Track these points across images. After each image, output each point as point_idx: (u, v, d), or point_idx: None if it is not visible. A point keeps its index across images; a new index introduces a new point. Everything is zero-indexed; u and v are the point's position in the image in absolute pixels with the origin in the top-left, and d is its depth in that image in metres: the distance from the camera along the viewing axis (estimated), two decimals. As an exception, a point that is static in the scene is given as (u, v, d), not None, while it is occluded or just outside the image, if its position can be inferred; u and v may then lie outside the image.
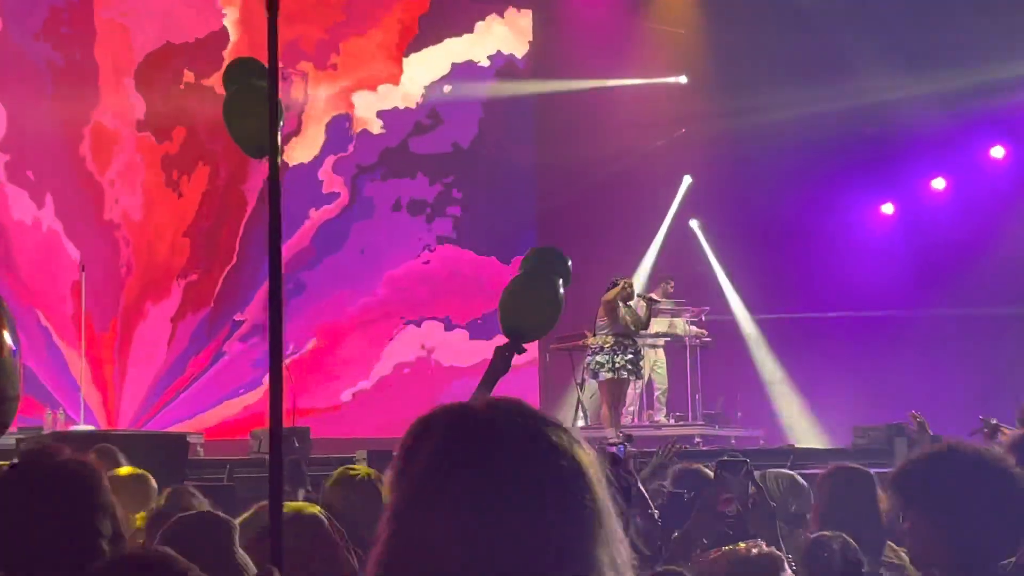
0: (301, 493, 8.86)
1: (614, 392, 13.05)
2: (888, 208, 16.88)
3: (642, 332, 14.64)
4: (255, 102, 4.13)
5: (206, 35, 14.82)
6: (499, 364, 4.44)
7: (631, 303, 13.13)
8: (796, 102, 15.46)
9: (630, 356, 12.93)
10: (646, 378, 14.43)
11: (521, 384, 15.29)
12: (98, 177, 14.27)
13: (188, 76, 14.69)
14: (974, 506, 3.13)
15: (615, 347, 12.93)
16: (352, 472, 5.57)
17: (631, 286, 13.16)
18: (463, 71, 16.54)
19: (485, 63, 16.73)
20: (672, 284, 15.22)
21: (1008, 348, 14.48)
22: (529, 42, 17.01)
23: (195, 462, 10.31)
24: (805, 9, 15.81)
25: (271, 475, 2.82)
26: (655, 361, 14.99)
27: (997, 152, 15.71)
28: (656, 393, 15.00)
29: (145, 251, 14.48)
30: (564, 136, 16.50)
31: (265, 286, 2.97)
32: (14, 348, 2.85)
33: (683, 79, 17.32)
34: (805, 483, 5.63)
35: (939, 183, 16.29)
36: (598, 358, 12.99)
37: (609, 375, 12.92)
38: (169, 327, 14.53)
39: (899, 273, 15.88)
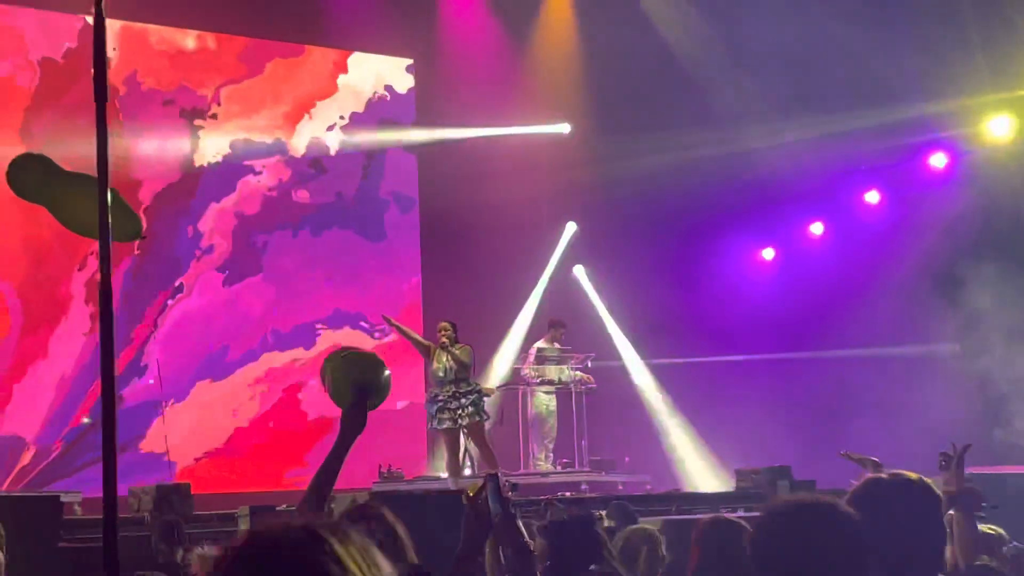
0: (179, 553, 8.71)
1: (447, 440, 13.21)
2: (769, 253, 17.14)
3: (531, 381, 14.71)
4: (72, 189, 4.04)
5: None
6: (353, 425, 4.21)
7: (453, 349, 13.08)
8: (675, 147, 15.64)
9: (439, 404, 13.00)
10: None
11: (409, 433, 15.24)
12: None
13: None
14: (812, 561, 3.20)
15: (428, 399, 13.25)
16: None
17: (445, 331, 13.14)
18: (346, 118, 16.49)
19: (366, 111, 16.69)
20: (562, 331, 15.28)
21: (887, 388, 14.71)
22: (410, 88, 17.02)
23: (70, 522, 10.05)
24: (682, 56, 16.07)
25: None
26: (548, 408, 15.02)
27: (872, 197, 16.03)
28: (546, 440, 15.01)
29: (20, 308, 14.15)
30: (447, 184, 16.49)
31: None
32: None
33: (566, 127, 17.46)
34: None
35: (817, 228, 16.58)
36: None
37: (430, 424, 13.20)
38: (48, 380, 14.20)
39: (782, 316, 16.10)
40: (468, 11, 16.97)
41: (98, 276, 2.84)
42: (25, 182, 4.24)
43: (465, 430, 13.08)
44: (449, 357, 12.92)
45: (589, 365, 15.22)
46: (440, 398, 12.96)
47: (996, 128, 14.64)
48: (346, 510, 5.85)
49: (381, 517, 4.09)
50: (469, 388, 13.03)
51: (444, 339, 13.02)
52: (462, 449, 13.36)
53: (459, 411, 12.93)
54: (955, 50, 14.03)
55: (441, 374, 12.94)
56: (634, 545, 5.86)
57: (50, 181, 4.16)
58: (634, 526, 6.35)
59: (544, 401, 15.04)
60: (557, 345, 15.18)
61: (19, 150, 13.91)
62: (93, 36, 2.72)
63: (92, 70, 2.73)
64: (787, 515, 3.31)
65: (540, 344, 15.24)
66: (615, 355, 17.08)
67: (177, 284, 15.17)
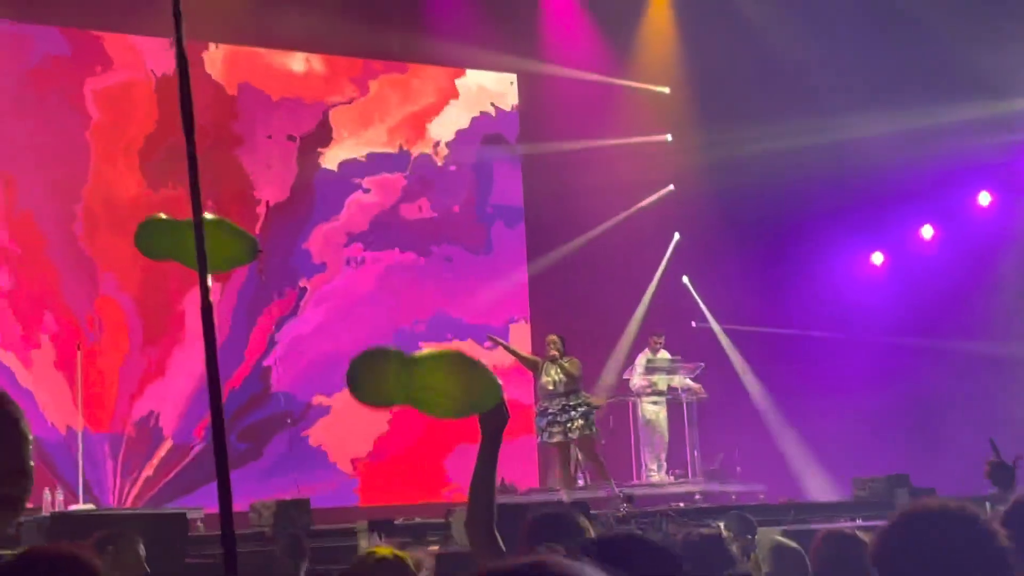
0: (304, 567, 8.84)
1: (560, 454, 13.18)
2: (878, 258, 16.92)
3: (640, 391, 14.71)
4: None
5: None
6: (494, 437, 3.85)
7: (562, 362, 13.09)
8: (778, 137, 15.47)
9: (549, 417, 12.99)
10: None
11: (518, 452, 15.30)
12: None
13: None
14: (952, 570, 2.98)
15: (538, 411, 13.19)
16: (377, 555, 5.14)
17: (553, 344, 13.14)
18: (450, 135, 16.65)
19: (471, 127, 16.84)
20: (661, 339, 15.23)
21: (1005, 395, 14.48)
22: (514, 106, 17.14)
23: (196, 539, 10.25)
24: (782, 50, 15.89)
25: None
26: (657, 419, 14.99)
27: (984, 199, 15.77)
28: (658, 451, 14.98)
29: (140, 327, 14.46)
30: (552, 196, 16.57)
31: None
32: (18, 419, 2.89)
33: (668, 137, 17.44)
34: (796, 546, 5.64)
35: (927, 231, 16.34)
36: (536, 423, 13.19)
37: (540, 438, 13.14)
38: (168, 401, 14.50)
39: (893, 322, 15.89)
40: (570, 24, 17.03)
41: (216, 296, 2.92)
42: (151, 247, 4.46)
43: (576, 443, 13.10)
44: (558, 370, 12.97)
45: (699, 374, 15.16)
46: (550, 411, 13.01)
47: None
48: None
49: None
50: (579, 401, 13.06)
51: (553, 352, 13.07)
52: (573, 462, 13.40)
53: (569, 424, 12.95)
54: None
55: (551, 387, 12.99)
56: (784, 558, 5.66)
57: (174, 237, 4.35)
58: (779, 539, 6.16)
59: (654, 411, 15.02)
60: (663, 354, 15.15)
61: (137, 176, 14.36)
62: (177, 66, 2.79)
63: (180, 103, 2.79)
64: (925, 520, 3.06)
65: (645, 355, 15.22)
66: (725, 364, 16.98)
67: (290, 301, 15.41)
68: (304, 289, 15.56)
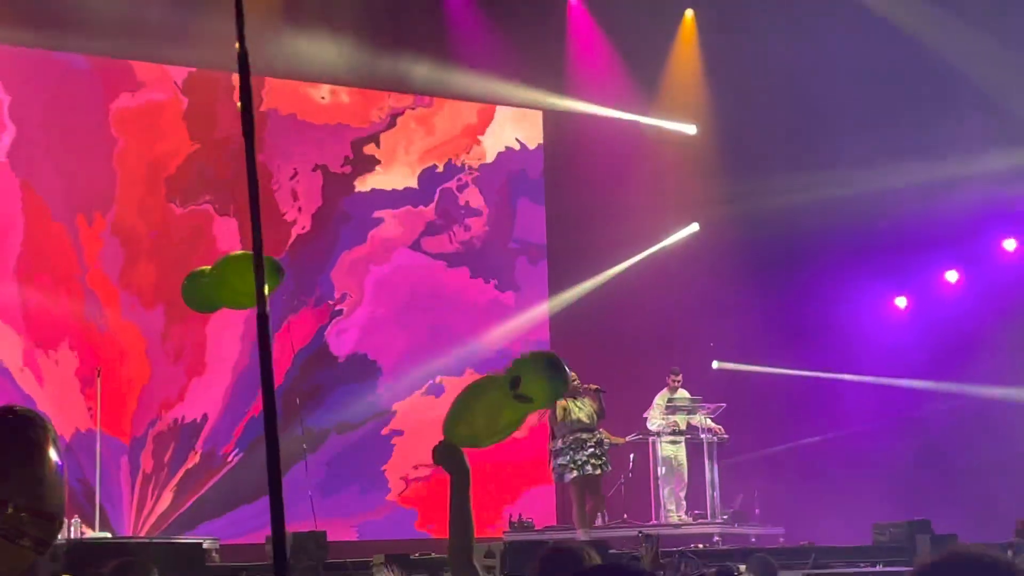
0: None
1: (583, 491, 13.01)
2: (902, 301, 16.84)
3: (660, 430, 14.62)
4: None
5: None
6: (462, 472, 3.97)
7: (580, 398, 13.06)
8: (806, 188, 15.48)
9: (591, 450, 12.88)
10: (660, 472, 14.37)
11: (538, 493, 15.27)
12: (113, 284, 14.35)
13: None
14: None
15: (573, 445, 12.95)
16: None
17: (574, 380, 13.10)
18: (476, 171, 16.69)
19: (495, 162, 16.87)
20: (679, 377, 15.15)
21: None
22: (539, 142, 17.17)
23: (212, 569, 10.22)
24: (816, 101, 15.92)
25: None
26: (676, 458, 14.88)
27: (1010, 244, 15.70)
28: (677, 490, 14.86)
29: (161, 352, 14.48)
30: (576, 233, 16.58)
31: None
32: (60, 463, 2.86)
33: (693, 178, 17.42)
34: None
35: (952, 276, 16.26)
36: (559, 460, 12.98)
37: (575, 474, 12.91)
38: (186, 430, 14.49)
39: (916, 367, 15.80)
40: (597, 62, 17.06)
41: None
42: (196, 302, 4.56)
43: (592, 480, 13.02)
44: (587, 404, 12.99)
45: (719, 415, 15.06)
46: (589, 445, 12.94)
47: None
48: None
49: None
50: (602, 436, 13.10)
51: (585, 386, 13.11)
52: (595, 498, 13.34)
53: (604, 458, 12.98)
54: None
55: (587, 420, 12.95)
56: None
57: (214, 284, 4.43)
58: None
59: (673, 450, 14.91)
60: (683, 392, 15.06)
61: (164, 203, 14.41)
62: (240, 97, 2.77)
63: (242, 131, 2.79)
64: (963, 567, 2.88)
65: (663, 393, 15.14)
66: (747, 405, 16.86)
67: (311, 331, 15.40)
68: (327, 318, 15.56)
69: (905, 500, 14.25)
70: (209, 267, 4.63)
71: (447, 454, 3.86)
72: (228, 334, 14.49)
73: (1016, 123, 14.21)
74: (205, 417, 14.56)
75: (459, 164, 16.65)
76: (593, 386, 13.17)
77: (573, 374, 13.21)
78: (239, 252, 4.72)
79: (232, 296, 4.44)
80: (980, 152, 14.40)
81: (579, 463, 12.91)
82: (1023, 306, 14.97)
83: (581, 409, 12.94)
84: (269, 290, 4.75)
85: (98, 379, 12.84)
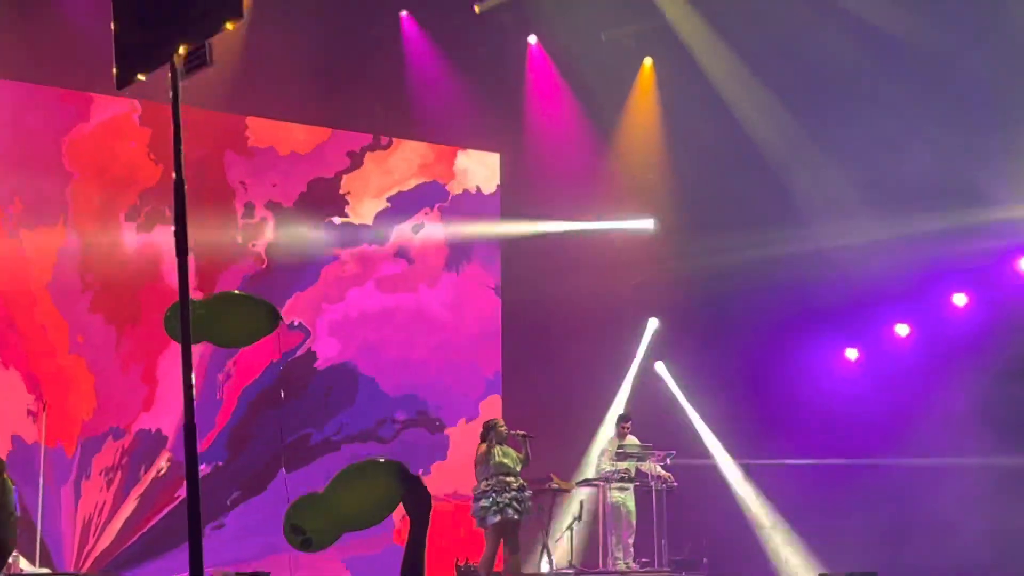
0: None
1: (499, 536, 12.80)
2: (852, 353, 16.95)
3: (608, 477, 14.59)
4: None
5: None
6: (423, 520, 4.05)
7: (506, 444, 12.98)
8: (760, 245, 15.62)
9: (513, 493, 12.73)
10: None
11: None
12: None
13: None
14: None
15: (496, 487, 12.77)
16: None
17: (501, 426, 13.06)
18: (432, 212, 16.68)
19: (452, 205, 16.87)
20: (629, 424, 15.19)
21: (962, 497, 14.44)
22: (497, 185, 17.20)
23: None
24: (767, 153, 16.08)
25: None
26: (624, 504, 14.87)
27: (960, 299, 15.84)
28: (625, 537, 14.84)
29: (105, 386, 14.33)
30: (531, 277, 16.60)
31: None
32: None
33: (651, 223, 17.49)
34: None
35: (903, 329, 16.39)
36: (482, 503, 12.80)
37: (498, 518, 12.68)
38: (126, 460, 14.33)
39: (865, 418, 15.88)
40: (555, 107, 17.15)
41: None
42: (175, 330, 4.56)
43: (515, 524, 12.79)
44: (517, 450, 12.89)
45: (669, 462, 15.09)
46: (512, 488, 12.78)
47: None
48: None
49: None
50: (524, 481, 12.96)
51: (512, 432, 12.98)
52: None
53: (525, 504, 12.82)
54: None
55: (512, 464, 12.81)
56: None
57: (205, 317, 4.42)
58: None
59: (621, 497, 14.90)
60: (632, 439, 15.08)
61: (125, 231, 14.29)
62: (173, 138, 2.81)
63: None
64: None
65: (612, 440, 15.15)
66: (698, 452, 16.92)
67: (260, 368, 15.30)
68: (279, 355, 15.45)
69: (855, 550, 14.29)
70: (202, 299, 4.62)
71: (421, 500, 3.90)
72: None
73: (962, 183, 14.42)
74: (158, 444, 14.42)
75: (416, 205, 16.64)
76: (520, 432, 13.04)
77: (500, 421, 13.21)
78: (237, 292, 4.74)
79: (222, 334, 4.43)
80: (928, 210, 14.58)
81: (501, 505, 12.73)
82: (972, 361, 15.08)
83: (507, 455, 12.82)
84: (262, 335, 4.78)
85: (43, 413, 12.68)
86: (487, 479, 12.75)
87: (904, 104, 14.67)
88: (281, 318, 4.78)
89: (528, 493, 12.89)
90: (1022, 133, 14.16)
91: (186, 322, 2.80)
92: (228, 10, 3.66)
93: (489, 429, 12.94)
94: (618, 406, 16.79)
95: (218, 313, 4.58)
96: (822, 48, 15.04)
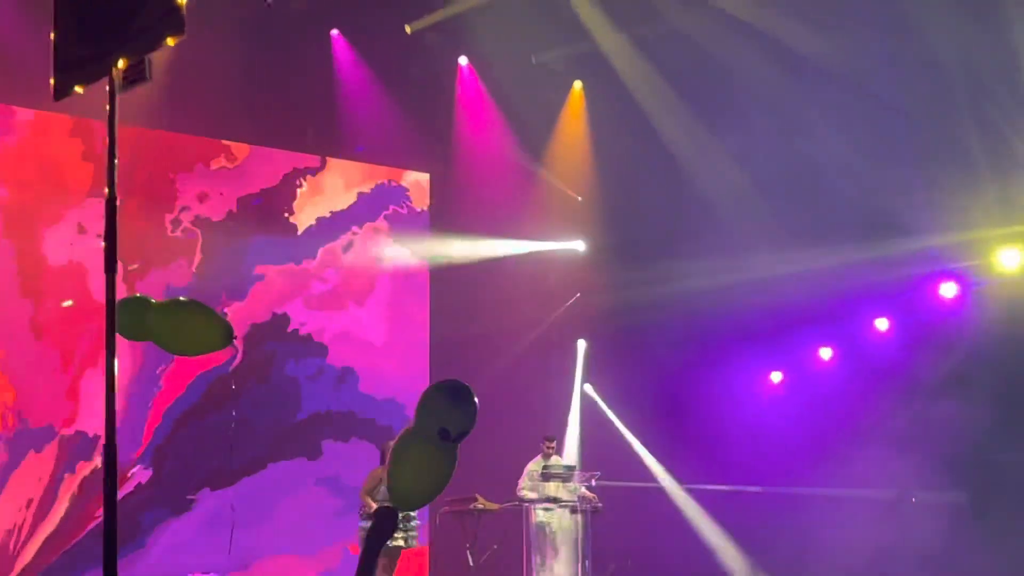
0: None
1: (381, 560, 12.55)
2: (776, 376, 17.14)
3: (533, 498, 14.60)
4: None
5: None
6: (386, 526, 4.14)
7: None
8: (687, 274, 15.77)
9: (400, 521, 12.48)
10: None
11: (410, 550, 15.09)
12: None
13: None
14: None
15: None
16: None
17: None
18: (361, 232, 16.65)
19: (381, 223, 16.86)
20: (554, 444, 15.22)
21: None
22: (428, 205, 17.22)
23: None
24: (697, 183, 16.26)
25: None
26: (549, 526, 14.88)
27: (882, 324, 16.09)
28: (550, 559, 14.85)
29: (28, 410, 14.15)
30: (459, 298, 16.62)
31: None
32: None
33: (580, 245, 17.60)
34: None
35: (826, 353, 16.60)
36: (364, 524, 12.58)
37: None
38: (48, 474, 14.15)
39: (787, 443, 16.06)
40: (486, 128, 17.22)
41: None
42: (125, 326, 4.49)
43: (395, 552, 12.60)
44: None
45: (594, 483, 15.14)
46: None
47: (1006, 261, 14.73)
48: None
49: None
50: (410, 512, 12.63)
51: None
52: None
53: (410, 532, 12.62)
54: (964, 185, 14.21)
55: None
56: None
57: (147, 318, 4.38)
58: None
59: (546, 518, 14.92)
60: (557, 459, 15.12)
61: (52, 242, 14.12)
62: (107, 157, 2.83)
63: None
64: None
65: (537, 460, 15.17)
66: (627, 474, 16.99)
67: (182, 386, 15.18)
68: (208, 373, 15.34)
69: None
70: (161, 301, 4.56)
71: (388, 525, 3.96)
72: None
73: (883, 212, 14.68)
74: (81, 456, 14.25)
75: (346, 224, 16.61)
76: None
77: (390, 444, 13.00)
78: (196, 302, 4.68)
79: (172, 340, 4.39)
80: (851, 238, 14.82)
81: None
82: (893, 385, 15.32)
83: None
84: (211, 350, 4.73)
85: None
86: (380, 502, 12.50)
87: (828, 134, 14.89)
88: (235, 337, 4.75)
89: (415, 523, 12.70)
90: (941, 165, 14.42)
91: (111, 350, 2.78)
92: (169, 26, 3.64)
93: (386, 452, 12.78)
94: (545, 426, 16.82)
95: (173, 318, 4.53)
96: (748, 76, 15.26)
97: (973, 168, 14.43)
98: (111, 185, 3.16)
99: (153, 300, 4.64)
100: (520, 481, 15.23)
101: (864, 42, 14.67)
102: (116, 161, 3.11)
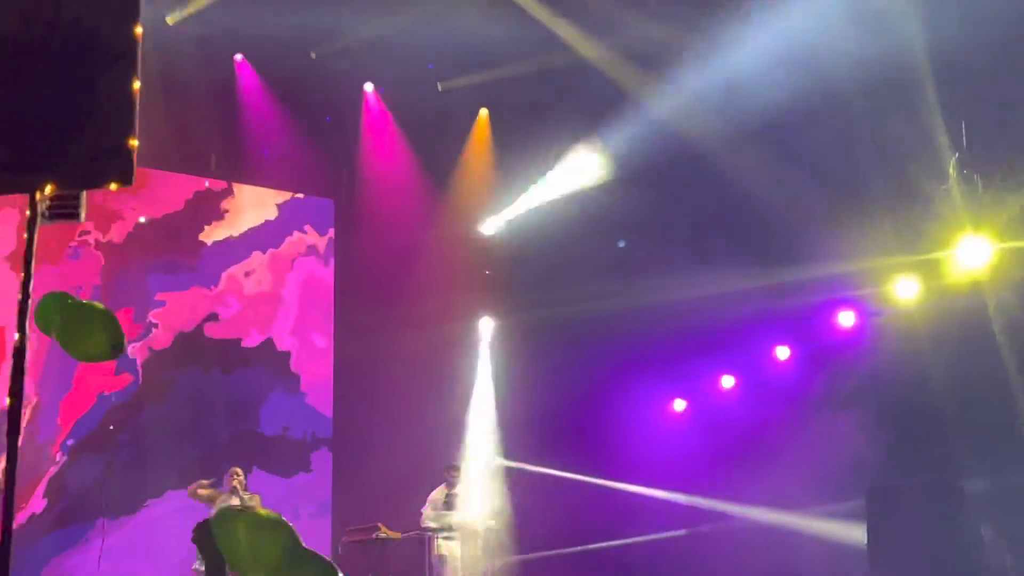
0: None
1: None
2: (680, 404, 17.22)
3: (436, 526, 14.56)
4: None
5: None
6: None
7: (244, 495, 12.71)
8: (590, 299, 15.83)
9: None
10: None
11: None
12: None
13: None
14: None
15: None
16: None
17: (237, 474, 12.78)
18: (265, 257, 16.54)
19: (285, 249, 16.76)
20: (458, 473, 15.17)
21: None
22: (331, 231, 17.14)
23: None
24: (602, 208, 16.34)
25: None
26: (451, 555, 14.82)
27: (783, 352, 16.23)
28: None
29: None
30: (364, 321, 16.56)
31: None
32: None
33: (484, 272, 17.62)
34: None
35: (728, 381, 16.71)
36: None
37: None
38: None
39: (689, 469, 16.16)
40: (391, 154, 17.20)
41: None
42: (43, 320, 4.39)
43: None
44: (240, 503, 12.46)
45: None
46: None
47: (902, 290, 14.87)
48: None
49: None
50: None
51: (236, 483, 12.71)
52: None
53: None
54: (863, 214, 14.39)
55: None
56: None
57: (58, 317, 4.26)
58: None
59: (448, 548, 14.85)
60: (460, 488, 15.07)
61: None
62: None
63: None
64: None
65: (441, 489, 15.12)
66: (529, 499, 16.96)
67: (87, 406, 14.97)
68: (106, 400, 15.13)
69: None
70: (75, 300, 4.46)
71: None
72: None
73: (783, 243, 14.86)
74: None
75: (248, 249, 16.48)
76: (245, 492, 12.72)
77: (237, 469, 12.87)
78: (100, 307, 4.52)
79: (68, 338, 4.29)
80: (753, 266, 14.97)
81: None
82: (792, 414, 15.46)
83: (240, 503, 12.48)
84: (98, 359, 4.60)
85: None
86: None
87: (728, 165, 15.03)
88: (124, 351, 4.63)
89: None
90: (840, 193, 14.60)
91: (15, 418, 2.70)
92: (115, 170, 3.09)
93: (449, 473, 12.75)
94: (448, 455, 16.79)
95: (75, 314, 4.40)
96: (650, 104, 15.38)
97: (871, 197, 14.62)
98: (21, 328, 2.79)
99: (72, 298, 4.53)
100: (424, 510, 15.17)
101: (765, 72, 14.83)
102: (30, 300, 2.89)
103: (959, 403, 13.92)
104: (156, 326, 15.67)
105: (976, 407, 13.65)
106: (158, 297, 15.75)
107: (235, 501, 12.42)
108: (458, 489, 15.03)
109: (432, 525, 14.78)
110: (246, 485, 12.61)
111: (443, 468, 15.36)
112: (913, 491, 14.20)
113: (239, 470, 12.78)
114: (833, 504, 14.70)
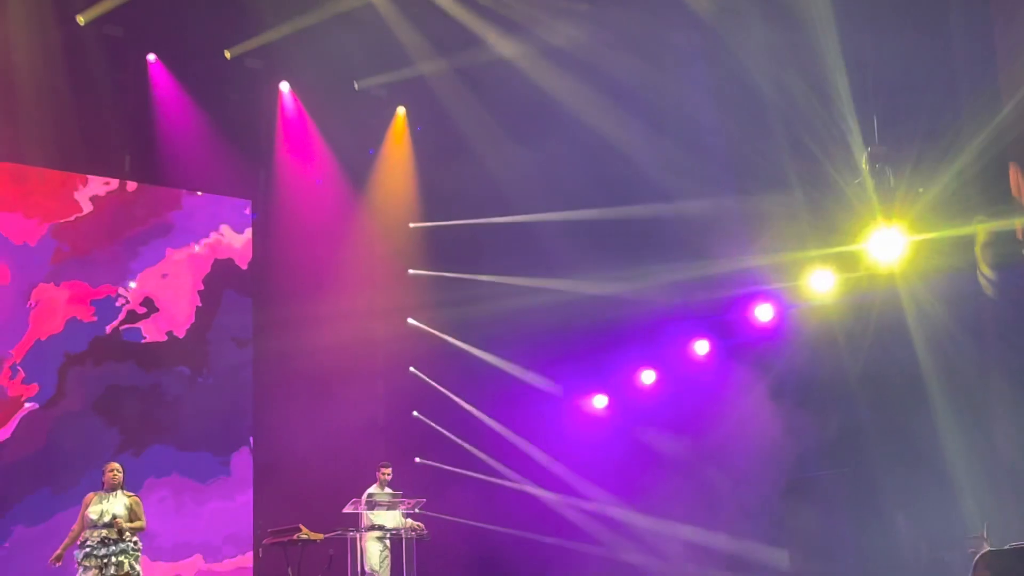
0: None
1: None
2: (601, 401, 17.29)
3: (362, 526, 14.48)
4: None
5: None
6: None
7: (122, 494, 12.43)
8: (511, 294, 15.86)
9: (87, 550, 12.04)
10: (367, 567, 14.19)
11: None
12: None
13: None
14: None
15: (105, 541, 11.99)
16: None
17: (114, 470, 12.45)
18: (181, 258, 16.37)
19: (202, 252, 16.60)
20: (389, 471, 15.10)
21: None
22: (248, 231, 17.00)
23: None
24: (515, 204, 16.38)
25: None
26: (374, 555, 14.74)
27: (701, 347, 16.34)
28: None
29: None
30: (282, 326, 16.44)
31: None
32: None
33: (409, 272, 17.60)
34: None
35: (649, 376, 16.80)
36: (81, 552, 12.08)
37: (92, 572, 11.90)
38: None
39: (611, 466, 16.23)
40: (307, 154, 17.10)
41: None
42: None
43: None
44: (111, 500, 12.04)
45: (419, 511, 15.05)
46: (89, 543, 12.04)
47: (818, 283, 15.01)
48: None
49: None
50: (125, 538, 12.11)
51: (114, 481, 12.22)
52: None
53: (106, 559, 11.96)
54: (779, 207, 14.52)
55: (95, 516, 11.98)
56: None
57: None
58: None
59: (375, 548, 14.77)
60: (388, 489, 15.00)
61: None
62: None
63: None
64: None
65: (371, 489, 15.05)
66: (450, 500, 16.95)
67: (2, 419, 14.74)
68: (20, 407, 14.89)
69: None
70: None
71: None
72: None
73: (699, 238, 14.98)
74: None
75: (161, 251, 16.29)
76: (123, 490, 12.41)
77: (115, 464, 12.50)
78: None
79: None
80: (668, 261, 15.08)
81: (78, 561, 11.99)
82: (712, 409, 15.58)
83: (99, 503, 12.12)
84: None
85: None
86: (90, 532, 11.98)
87: (646, 157, 15.11)
88: None
89: (117, 548, 12.04)
90: (756, 187, 14.73)
91: None
92: None
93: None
94: (375, 454, 16.75)
95: None
96: (567, 102, 15.42)
97: (787, 191, 14.75)
98: None
99: None
100: (351, 508, 15.06)
101: (683, 68, 14.94)
102: None
103: (874, 395, 14.10)
104: (73, 327, 15.44)
105: (891, 398, 13.83)
106: (70, 298, 15.51)
107: (109, 501, 12.03)
108: (388, 489, 14.95)
109: (358, 524, 14.69)
110: (122, 483, 12.18)
111: (376, 466, 15.29)
112: (830, 482, 14.38)
113: (118, 464, 12.35)
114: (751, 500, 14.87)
